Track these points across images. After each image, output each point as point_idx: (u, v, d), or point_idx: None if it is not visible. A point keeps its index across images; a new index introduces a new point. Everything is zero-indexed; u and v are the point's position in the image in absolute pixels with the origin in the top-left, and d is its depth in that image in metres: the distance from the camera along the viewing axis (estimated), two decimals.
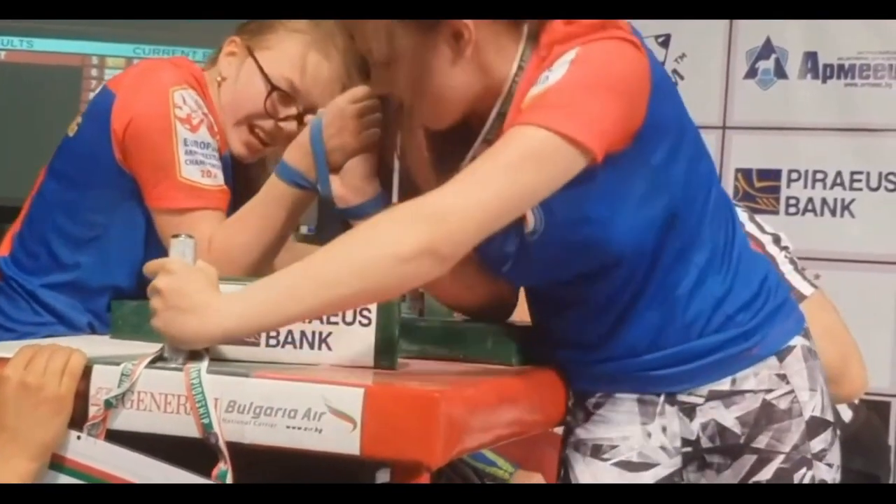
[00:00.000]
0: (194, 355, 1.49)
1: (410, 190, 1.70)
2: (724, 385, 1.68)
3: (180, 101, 1.95)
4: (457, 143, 1.67)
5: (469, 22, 1.56)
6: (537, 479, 3.64)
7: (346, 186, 1.76)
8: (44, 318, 2.04)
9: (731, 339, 1.67)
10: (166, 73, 2.00)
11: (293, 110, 2.03)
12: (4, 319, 2.05)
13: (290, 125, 2.02)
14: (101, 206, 2.02)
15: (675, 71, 3.76)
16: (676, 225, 1.63)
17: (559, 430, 1.83)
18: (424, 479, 1.37)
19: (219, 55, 2.10)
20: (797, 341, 1.71)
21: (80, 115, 2.10)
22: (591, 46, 1.54)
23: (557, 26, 1.60)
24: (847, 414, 2.59)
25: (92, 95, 4.00)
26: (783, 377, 1.68)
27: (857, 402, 2.63)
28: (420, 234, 1.43)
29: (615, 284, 1.65)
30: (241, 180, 2.07)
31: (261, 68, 2.02)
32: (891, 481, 3.10)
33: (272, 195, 1.87)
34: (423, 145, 1.74)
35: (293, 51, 2.03)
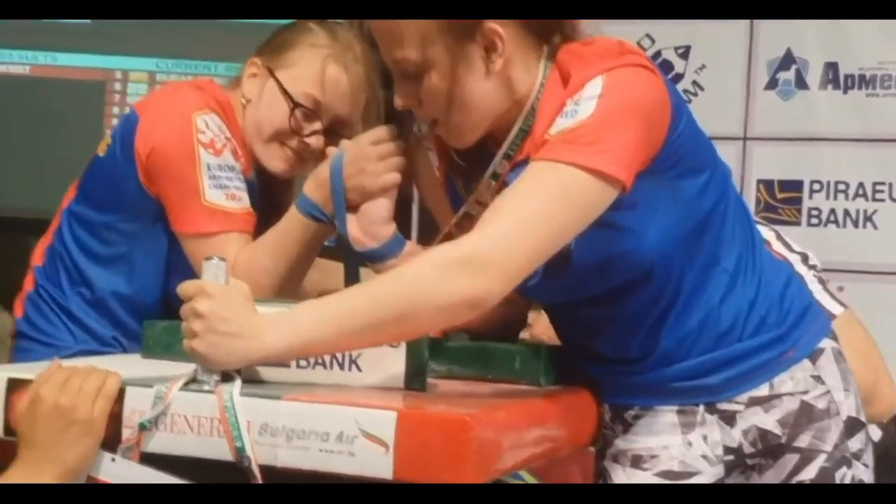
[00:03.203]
0: (226, 377, 1.50)
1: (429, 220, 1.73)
2: (762, 391, 1.70)
3: (203, 125, 1.98)
4: (471, 162, 1.70)
5: (502, 32, 1.60)
6: None
7: (362, 229, 1.78)
8: (76, 334, 2.08)
9: (766, 343, 1.70)
10: (189, 97, 2.02)
11: (318, 125, 2.05)
12: (40, 334, 2.10)
13: (317, 140, 2.04)
14: (126, 227, 2.06)
15: (695, 82, 3.76)
16: (702, 234, 1.67)
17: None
18: None
19: (242, 77, 2.12)
20: (827, 343, 1.75)
21: (110, 134, 2.12)
22: (615, 76, 1.58)
23: (575, 47, 1.65)
24: (877, 433, 2.59)
25: (115, 109, 4.09)
26: (818, 378, 1.72)
27: (885, 420, 2.62)
28: (461, 284, 1.47)
29: (645, 299, 1.67)
30: (270, 202, 2.09)
31: (282, 87, 2.04)
32: None
33: (292, 225, 1.89)
34: (437, 168, 1.77)
35: (312, 66, 2.05)
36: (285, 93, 2.04)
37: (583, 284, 1.67)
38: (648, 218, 1.62)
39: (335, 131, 2.03)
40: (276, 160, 2.07)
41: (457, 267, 1.47)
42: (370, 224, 1.77)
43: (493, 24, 1.60)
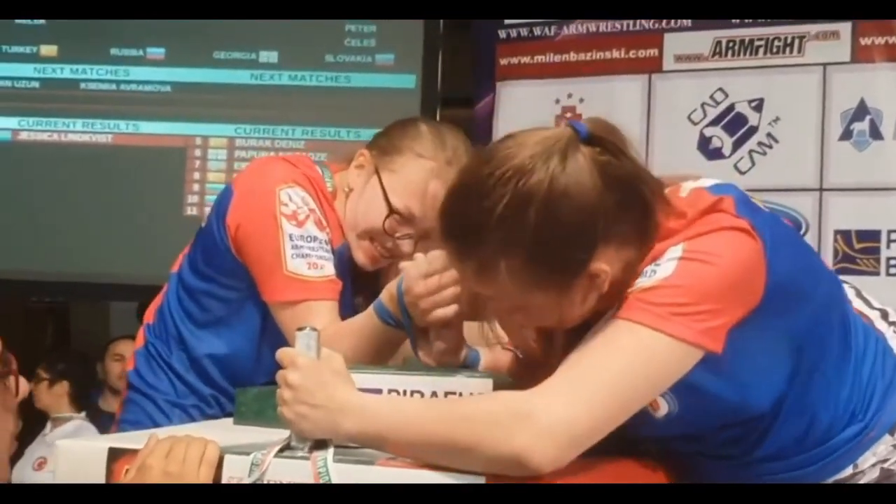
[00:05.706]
0: (320, 443, 1.53)
1: None
2: (846, 472, 1.68)
3: (286, 198, 2.05)
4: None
5: (607, 268, 1.51)
6: None
7: (430, 356, 1.76)
8: (178, 389, 2.21)
9: (854, 433, 1.67)
10: (277, 172, 2.11)
11: (411, 230, 2.09)
12: (146, 387, 2.22)
13: (408, 245, 2.08)
14: (223, 294, 2.15)
15: (769, 135, 3.76)
16: (801, 355, 1.61)
17: None
18: None
19: (351, 163, 2.17)
20: None
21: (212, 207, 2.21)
22: (698, 242, 1.51)
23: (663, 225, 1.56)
24: None
25: (196, 175, 4.19)
26: None
27: None
28: (522, 443, 1.39)
29: (750, 427, 1.63)
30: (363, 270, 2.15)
31: (384, 190, 2.09)
32: None
33: (370, 323, 1.91)
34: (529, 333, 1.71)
35: (416, 178, 2.08)
36: (385, 196, 2.08)
37: (683, 429, 1.61)
38: (752, 375, 1.55)
39: (429, 237, 2.05)
40: (362, 254, 2.13)
41: (522, 423, 1.40)
42: (437, 353, 1.76)
43: (597, 265, 1.50)
